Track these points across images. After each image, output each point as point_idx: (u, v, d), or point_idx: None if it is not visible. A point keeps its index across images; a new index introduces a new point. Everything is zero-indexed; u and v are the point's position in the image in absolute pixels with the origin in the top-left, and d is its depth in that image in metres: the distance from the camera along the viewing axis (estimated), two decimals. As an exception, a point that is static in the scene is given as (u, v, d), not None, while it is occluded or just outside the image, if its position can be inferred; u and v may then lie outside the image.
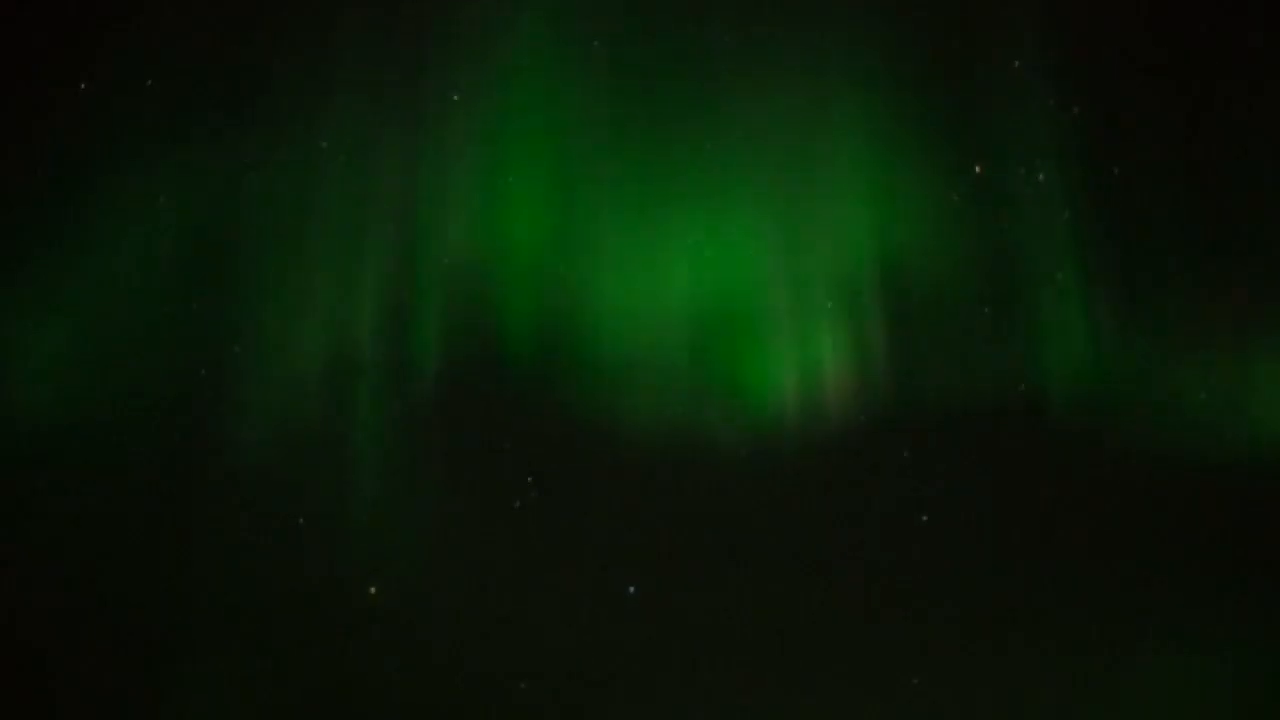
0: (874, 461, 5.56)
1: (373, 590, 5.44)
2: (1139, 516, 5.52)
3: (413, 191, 5.59)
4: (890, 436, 5.56)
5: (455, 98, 5.61)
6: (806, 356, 5.61)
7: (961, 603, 5.47)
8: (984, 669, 5.44)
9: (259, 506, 5.44)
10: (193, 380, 5.51)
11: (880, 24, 5.70)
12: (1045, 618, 5.47)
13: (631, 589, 5.48)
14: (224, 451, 5.48)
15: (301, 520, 5.46)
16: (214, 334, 5.52)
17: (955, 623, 5.46)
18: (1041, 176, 5.64)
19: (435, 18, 5.61)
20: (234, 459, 5.48)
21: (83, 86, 5.52)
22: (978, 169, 5.66)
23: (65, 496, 5.43)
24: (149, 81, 5.54)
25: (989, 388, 5.62)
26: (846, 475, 5.55)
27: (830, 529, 5.52)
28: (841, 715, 5.41)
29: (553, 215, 5.63)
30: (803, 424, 5.57)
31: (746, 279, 5.64)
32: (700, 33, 5.67)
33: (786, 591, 5.48)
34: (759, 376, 5.60)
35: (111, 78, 5.54)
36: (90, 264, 5.55)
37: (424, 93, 5.60)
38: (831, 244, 5.65)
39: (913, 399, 5.61)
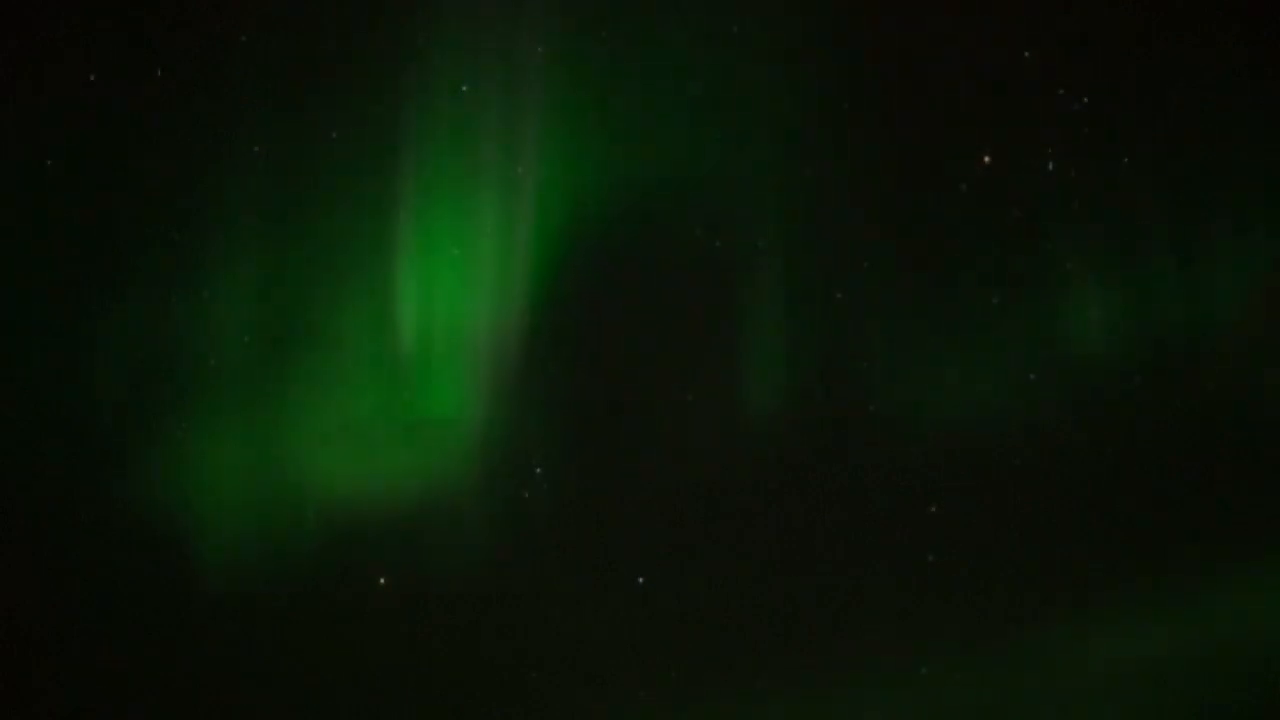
0: (880, 454, 5.56)
1: (382, 581, 5.46)
2: (1154, 506, 5.54)
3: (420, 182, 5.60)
4: (897, 429, 5.56)
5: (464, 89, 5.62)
6: (813, 349, 5.61)
7: (969, 594, 5.48)
8: (993, 661, 5.46)
9: (267, 501, 5.47)
10: (192, 372, 5.52)
11: (886, 13, 5.69)
12: (1052, 610, 5.49)
13: (640, 580, 5.49)
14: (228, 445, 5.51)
15: (312, 510, 5.47)
16: (218, 322, 5.53)
17: (962, 615, 5.48)
18: (1051, 166, 5.64)
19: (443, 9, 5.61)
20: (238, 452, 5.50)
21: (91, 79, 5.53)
22: (986, 159, 5.66)
23: (66, 491, 5.45)
24: (157, 73, 5.55)
25: (996, 378, 5.62)
26: (853, 468, 5.55)
27: (838, 521, 5.53)
28: (848, 707, 5.43)
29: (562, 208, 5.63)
30: (809, 416, 5.58)
31: (747, 271, 5.65)
32: (704, 22, 5.66)
33: (794, 584, 5.49)
34: (766, 370, 5.61)
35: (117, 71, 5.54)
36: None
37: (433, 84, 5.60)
38: (835, 236, 5.66)
39: (919, 390, 5.61)
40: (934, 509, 5.53)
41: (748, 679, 5.44)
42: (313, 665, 5.41)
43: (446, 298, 5.58)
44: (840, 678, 5.44)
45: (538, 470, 5.53)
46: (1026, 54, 5.65)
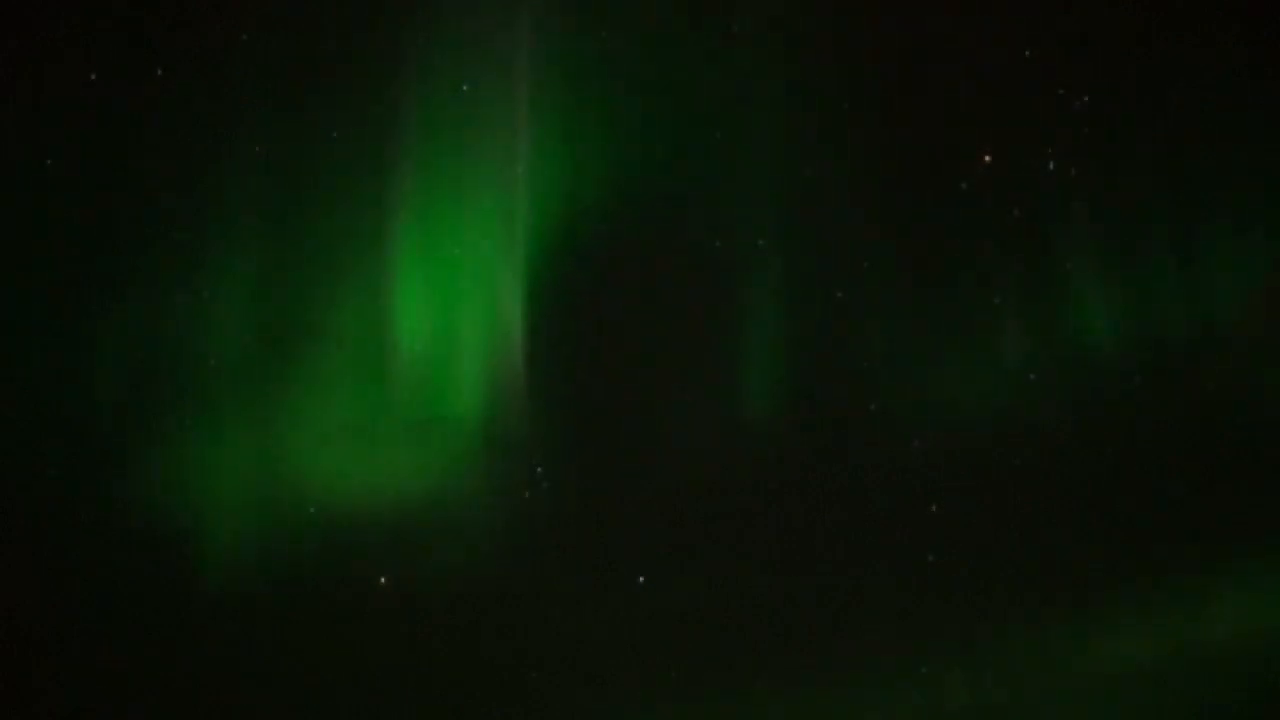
0: (880, 454, 5.56)
1: (382, 581, 5.46)
2: (1154, 506, 5.54)
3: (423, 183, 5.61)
4: (897, 429, 5.57)
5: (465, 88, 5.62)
6: (813, 349, 5.62)
7: (969, 594, 5.48)
8: (993, 661, 5.46)
9: (267, 500, 5.47)
10: (192, 372, 5.52)
11: (886, 13, 5.69)
12: (1052, 610, 5.49)
13: (640, 579, 5.49)
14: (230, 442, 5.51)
15: (312, 510, 5.47)
16: (218, 322, 5.53)
17: (962, 615, 5.48)
18: (1051, 166, 5.65)
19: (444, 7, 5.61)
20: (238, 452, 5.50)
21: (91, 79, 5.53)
22: (986, 159, 5.66)
23: (66, 491, 5.45)
24: (157, 72, 5.54)
25: (996, 378, 5.63)
26: (853, 468, 5.56)
27: (838, 521, 5.53)
28: (848, 707, 5.43)
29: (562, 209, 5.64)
30: (809, 416, 5.58)
31: (747, 271, 5.65)
32: (703, 22, 5.66)
33: (794, 584, 5.49)
34: (766, 369, 5.61)
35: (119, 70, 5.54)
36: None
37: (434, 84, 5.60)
38: (835, 236, 5.66)
39: (919, 390, 5.61)
40: (934, 509, 5.53)
41: (748, 679, 5.45)
42: (313, 665, 5.40)
43: (446, 297, 5.58)
44: (840, 678, 5.45)
45: (539, 470, 5.53)
46: (1026, 54, 5.66)
